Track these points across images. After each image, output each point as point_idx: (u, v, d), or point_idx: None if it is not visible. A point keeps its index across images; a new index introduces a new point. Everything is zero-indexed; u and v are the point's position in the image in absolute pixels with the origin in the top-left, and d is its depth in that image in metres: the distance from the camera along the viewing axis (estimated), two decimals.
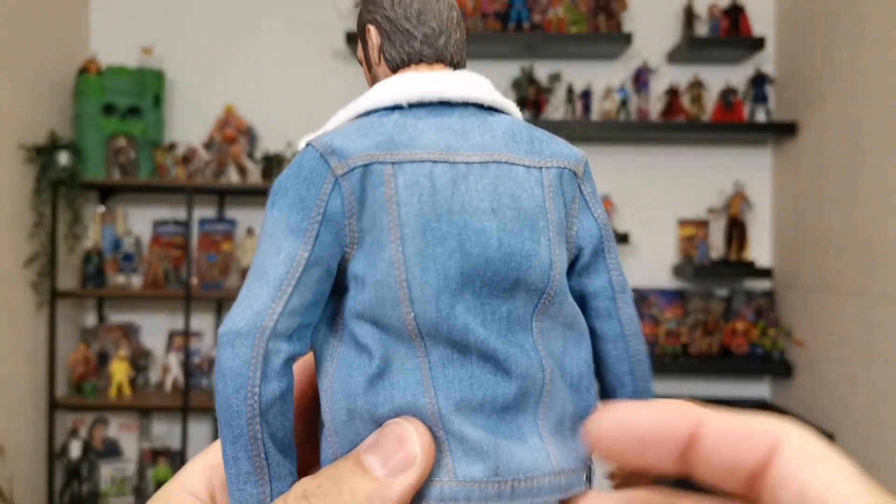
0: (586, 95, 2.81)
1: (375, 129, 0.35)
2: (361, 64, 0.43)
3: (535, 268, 0.35)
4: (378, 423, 0.34)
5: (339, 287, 0.36)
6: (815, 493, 0.21)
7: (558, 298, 0.36)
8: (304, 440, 0.39)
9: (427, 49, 0.39)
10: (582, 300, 0.40)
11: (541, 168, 0.37)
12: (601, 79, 2.88)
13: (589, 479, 0.37)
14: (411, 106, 0.37)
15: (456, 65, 0.40)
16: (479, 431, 0.34)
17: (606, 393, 0.42)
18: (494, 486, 0.34)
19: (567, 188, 0.38)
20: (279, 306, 0.33)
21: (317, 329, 0.36)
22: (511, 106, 0.40)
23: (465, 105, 0.38)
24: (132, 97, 2.76)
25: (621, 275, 0.40)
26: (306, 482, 0.33)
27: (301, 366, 0.39)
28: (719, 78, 2.85)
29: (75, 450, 2.72)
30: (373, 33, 0.40)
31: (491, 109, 0.39)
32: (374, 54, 0.41)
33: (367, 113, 0.37)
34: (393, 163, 0.34)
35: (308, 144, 0.35)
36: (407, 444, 0.33)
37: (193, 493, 0.36)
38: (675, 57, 2.85)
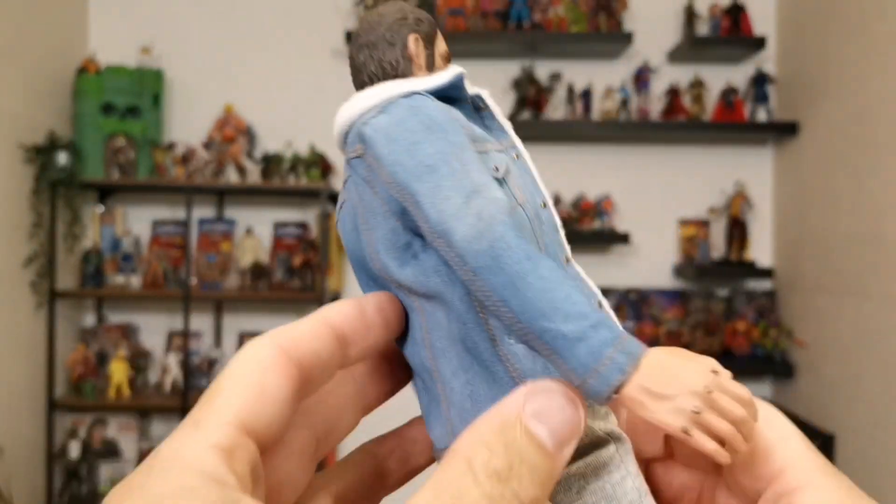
0: (587, 95, 2.80)
1: None
2: None
3: (363, 260, 0.34)
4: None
5: None
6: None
7: (384, 276, 0.33)
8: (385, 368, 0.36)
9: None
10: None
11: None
12: (602, 78, 2.87)
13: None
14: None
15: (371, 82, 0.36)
16: None
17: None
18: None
19: (360, 168, 0.33)
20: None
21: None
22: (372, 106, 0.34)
23: None
24: (131, 97, 2.75)
25: (439, 212, 0.29)
26: (481, 453, 0.26)
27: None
28: (720, 77, 2.84)
29: (74, 450, 2.72)
30: None
31: None
32: None
33: None
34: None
35: None
36: (568, 410, 0.27)
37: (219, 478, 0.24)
38: (675, 56, 2.84)
